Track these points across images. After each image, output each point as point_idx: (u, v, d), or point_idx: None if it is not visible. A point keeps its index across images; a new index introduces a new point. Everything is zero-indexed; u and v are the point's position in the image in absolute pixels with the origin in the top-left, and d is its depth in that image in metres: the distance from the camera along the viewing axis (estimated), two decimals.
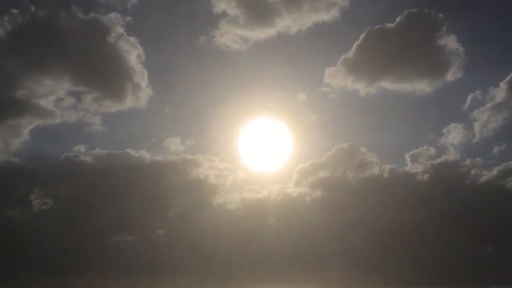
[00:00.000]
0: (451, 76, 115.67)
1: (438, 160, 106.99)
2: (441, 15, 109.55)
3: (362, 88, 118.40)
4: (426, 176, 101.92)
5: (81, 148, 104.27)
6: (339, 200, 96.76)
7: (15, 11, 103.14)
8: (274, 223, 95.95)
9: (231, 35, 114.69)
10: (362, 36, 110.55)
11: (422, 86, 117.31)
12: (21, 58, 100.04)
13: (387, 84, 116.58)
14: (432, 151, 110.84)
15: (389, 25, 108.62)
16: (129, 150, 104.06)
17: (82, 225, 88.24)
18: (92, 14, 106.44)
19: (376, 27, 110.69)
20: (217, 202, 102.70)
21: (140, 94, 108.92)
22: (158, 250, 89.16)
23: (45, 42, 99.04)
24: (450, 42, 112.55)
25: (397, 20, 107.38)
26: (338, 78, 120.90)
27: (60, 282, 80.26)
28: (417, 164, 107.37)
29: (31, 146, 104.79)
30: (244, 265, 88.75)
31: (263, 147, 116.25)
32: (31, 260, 79.52)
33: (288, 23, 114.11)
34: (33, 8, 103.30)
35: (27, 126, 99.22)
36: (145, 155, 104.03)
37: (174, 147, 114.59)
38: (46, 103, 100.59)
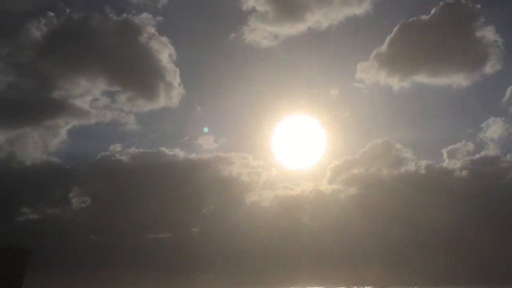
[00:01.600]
0: (489, 68, 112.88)
1: (477, 156, 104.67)
2: (478, 5, 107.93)
3: (395, 82, 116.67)
4: (464, 172, 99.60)
5: (117, 147, 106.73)
6: (373, 197, 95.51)
7: (51, 13, 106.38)
8: (308, 221, 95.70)
9: (261, 32, 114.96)
10: (395, 29, 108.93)
11: (459, 80, 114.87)
12: (57, 60, 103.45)
13: (422, 78, 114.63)
14: (470, 146, 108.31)
15: (424, 17, 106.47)
16: (163, 149, 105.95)
17: (119, 222, 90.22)
18: (124, 15, 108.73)
19: (410, 20, 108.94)
20: (250, 199, 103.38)
21: (173, 93, 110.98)
22: (193, 247, 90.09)
23: (80, 43, 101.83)
24: (488, 34, 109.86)
25: (432, 12, 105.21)
26: (370, 73, 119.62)
27: (97, 277, 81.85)
28: (454, 160, 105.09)
29: (69, 145, 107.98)
30: (278, 263, 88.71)
31: (296, 144, 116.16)
32: (71, 256, 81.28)
33: (319, 18, 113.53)
34: (68, 11, 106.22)
35: (64, 126, 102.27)
36: (179, 153, 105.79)
37: (207, 145, 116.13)
38: (82, 103, 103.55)
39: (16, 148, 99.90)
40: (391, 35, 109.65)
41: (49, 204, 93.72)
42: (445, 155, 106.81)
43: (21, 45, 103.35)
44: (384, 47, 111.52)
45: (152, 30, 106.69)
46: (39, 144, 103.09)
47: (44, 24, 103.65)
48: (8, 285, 44.94)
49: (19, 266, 46.65)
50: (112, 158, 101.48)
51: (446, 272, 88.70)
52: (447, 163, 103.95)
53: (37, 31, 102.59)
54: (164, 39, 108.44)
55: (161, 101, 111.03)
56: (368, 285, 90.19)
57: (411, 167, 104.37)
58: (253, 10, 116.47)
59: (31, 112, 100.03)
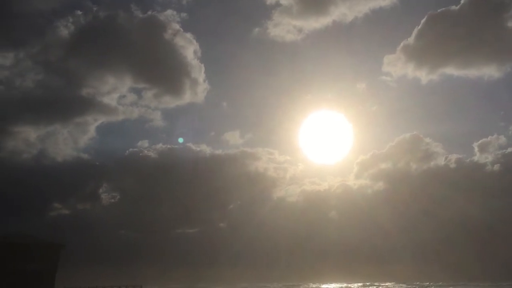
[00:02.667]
0: None
1: (509, 149, 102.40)
2: None
3: (424, 75, 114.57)
4: (496, 167, 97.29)
5: (145, 143, 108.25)
6: (402, 192, 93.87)
7: (79, 12, 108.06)
8: (335, 216, 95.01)
9: (285, 26, 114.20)
10: (423, 20, 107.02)
11: (490, 71, 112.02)
12: (85, 58, 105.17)
13: (451, 71, 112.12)
14: (502, 139, 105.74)
15: (453, 7, 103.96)
16: (190, 144, 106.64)
17: (147, 217, 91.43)
18: (149, 12, 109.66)
19: (438, 11, 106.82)
20: (277, 195, 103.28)
21: (198, 89, 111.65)
22: (220, 242, 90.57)
23: (107, 41, 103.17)
24: None
25: (462, 2, 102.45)
26: (397, 66, 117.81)
27: (126, 271, 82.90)
28: (486, 154, 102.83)
29: (98, 142, 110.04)
30: (305, 258, 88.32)
31: (322, 139, 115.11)
32: (101, 250, 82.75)
33: (343, 10, 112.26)
34: (95, 9, 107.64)
35: (92, 123, 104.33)
36: (206, 149, 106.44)
37: (233, 140, 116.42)
38: (110, 100, 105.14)
39: (47, 145, 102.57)
40: (419, 27, 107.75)
41: (79, 199, 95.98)
42: (476, 149, 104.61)
43: (50, 44, 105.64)
44: (411, 39, 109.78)
45: (177, 26, 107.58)
46: (69, 141, 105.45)
47: (71, 23, 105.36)
48: (43, 279, 45.90)
49: (53, 260, 47.56)
50: (140, 154, 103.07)
51: (477, 268, 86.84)
52: (478, 157, 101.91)
53: (65, 29, 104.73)
54: (188, 35, 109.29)
55: (187, 97, 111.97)
56: (397, 281, 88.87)
57: (441, 161, 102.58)
58: (277, 4, 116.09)
59: (60, 109, 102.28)
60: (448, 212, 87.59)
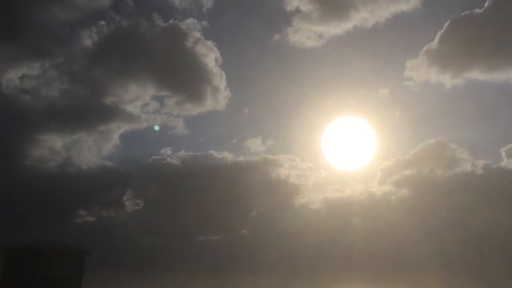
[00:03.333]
0: None
1: None
2: None
3: (447, 80, 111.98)
4: None
5: (167, 150, 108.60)
6: (427, 200, 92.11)
7: (102, 22, 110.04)
8: (358, 223, 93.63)
9: (305, 32, 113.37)
10: (446, 24, 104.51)
11: None
12: (109, 67, 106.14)
13: (476, 75, 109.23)
14: None
15: (477, 10, 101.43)
16: (212, 152, 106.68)
17: (170, 224, 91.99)
18: (171, 21, 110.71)
19: (462, 14, 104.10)
20: (299, 202, 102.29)
21: (219, 96, 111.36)
22: (243, 249, 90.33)
23: (129, 50, 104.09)
24: None
25: (486, 4, 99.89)
26: (420, 71, 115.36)
27: (149, 278, 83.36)
28: None
29: (121, 149, 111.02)
30: (328, 266, 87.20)
31: (345, 145, 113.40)
32: (125, 257, 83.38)
33: (365, 15, 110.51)
34: (118, 19, 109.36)
35: (116, 131, 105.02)
36: (228, 156, 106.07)
37: (255, 147, 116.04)
38: (133, 108, 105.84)
39: (72, 153, 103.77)
40: (442, 31, 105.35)
41: (104, 206, 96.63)
42: (503, 154, 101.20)
43: (74, 54, 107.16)
44: (434, 44, 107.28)
45: (198, 34, 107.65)
46: (93, 149, 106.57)
47: (95, 33, 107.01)
48: (69, 286, 46.56)
49: (78, 266, 48.23)
50: (163, 162, 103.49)
51: (506, 278, 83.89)
52: (505, 163, 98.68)
53: (88, 39, 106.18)
54: (209, 43, 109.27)
55: (209, 105, 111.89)
56: None
57: (467, 167, 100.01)
58: (297, 11, 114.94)
59: (84, 118, 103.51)
60: (476, 220, 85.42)
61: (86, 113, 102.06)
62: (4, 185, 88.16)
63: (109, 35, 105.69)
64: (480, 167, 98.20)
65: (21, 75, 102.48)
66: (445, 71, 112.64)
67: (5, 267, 45.18)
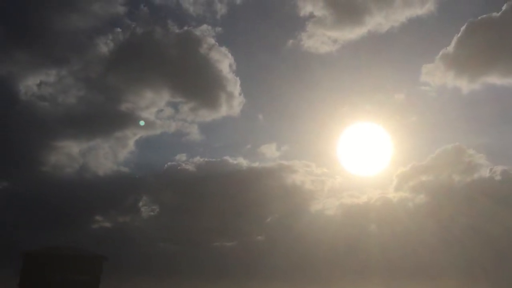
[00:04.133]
0: None
1: None
2: None
3: (464, 85, 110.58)
4: None
5: (183, 156, 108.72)
6: (445, 206, 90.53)
7: (118, 29, 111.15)
8: (375, 230, 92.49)
9: (319, 37, 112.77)
10: (462, 28, 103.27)
11: None
12: (124, 74, 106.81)
13: (494, 79, 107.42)
14: None
15: (494, 14, 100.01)
16: (227, 158, 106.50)
17: (185, 230, 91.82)
18: (185, 28, 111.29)
19: (479, 18, 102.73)
20: (315, 208, 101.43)
21: (234, 102, 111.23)
22: (258, 255, 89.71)
23: (145, 57, 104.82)
24: None
25: (503, 8, 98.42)
26: (436, 75, 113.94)
27: (165, 284, 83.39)
28: None
29: (137, 156, 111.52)
30: (344, 273, 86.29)
31: (361, 151, 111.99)
32: (141, 263, 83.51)
33: (379, 20, 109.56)
34: (133, 26, 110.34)
35: (132, 137, 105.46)
36: (243, 162, 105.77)
37: (270, 153, 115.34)
38: (148, 114, 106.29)
39: (88, 159, 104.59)
40: (459, 35, 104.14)
41: (120, 212, 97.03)
42: None
43: (90, 61, 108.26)
44: (451, 48, 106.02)
45: (212, 41, 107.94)
46: (109, 155, 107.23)
47: (111, 40, 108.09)
48: None
49: (96, 272, 48.55)
50: (178, 168, 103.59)
51: None
52: None
53: (104, 47, 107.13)
54: (223, 49, 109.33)
55: (223, 111, 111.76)
56: None
57: (485, 173, 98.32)
58: (310, 16, 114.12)
59: (101, 124, 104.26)
60: (496, 227, 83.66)
61: (102, 119, 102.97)
62: (23, 190, 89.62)
63: (125, 42, 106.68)
64: (499, 172, 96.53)
65: (39, 82, 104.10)
66: (462, 76, 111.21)
67: (24, 270, 45.64)
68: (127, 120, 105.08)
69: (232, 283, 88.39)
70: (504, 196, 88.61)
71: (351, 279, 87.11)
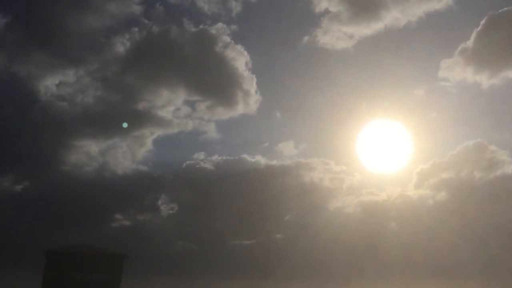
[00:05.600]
0: None
1: None
2: None
3: (484, 80, 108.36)
4: None
5: (201, 155, 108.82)
6: (467, 203, 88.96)
7: (135, 29, 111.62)
8: (394, 228, 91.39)
9: (335, 33, 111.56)
10: (482, 22, 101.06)
11: None
12: (141, 73, 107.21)
13: None
14: None
15: None
16: (245, 156, 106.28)
17: (204, 228, 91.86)
18: (201, 26, 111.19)
19: (499, 11, 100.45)
20: (333, 205, 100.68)
21: (250, 100, 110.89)
22: (277, 254, 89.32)
23: (161, 56, 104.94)
24: None
25: None
26: (455, 71, 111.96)
27: (184, 282, 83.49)
28: None
29: (155, 154, 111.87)
30: (364, 272, 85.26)
31: (380, 148, 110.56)
32: (160, 261, 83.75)
33: (396, 15, 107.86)
34: (149, 25, 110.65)
35: (149, 136, 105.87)
36: (261, 160, 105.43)
37: (288, 151, 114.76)
38: (165, 113, 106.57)
39: (107, 158, 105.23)
40: (478, 29, 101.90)
41: (139, 210, 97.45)
42: None
43: (107, 60, 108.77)
44: (470, 42, 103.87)
45: (227, 39, 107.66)
46: (127, 154, 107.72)
47: (127, 39, 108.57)
48: None
49: (116, 270, 48.71)
50: (197, 166, 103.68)
51: None
52: None
53: (121, 46, 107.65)
54: (239, 47, 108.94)
55: (240, 109, 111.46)
56: None
57: (508, 170, 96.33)
58: (326, 12, 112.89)
59: (119, 123, 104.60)
60: None
61: (120, 118, 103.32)
62: (44, 189, 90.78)
63: (141, 41, 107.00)
64: None
65: (58, 82, 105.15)
66: (482, 71, 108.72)
67: (47, 268, 45.99)
68: (144, 119, 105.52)
69: (250, 281, 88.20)
70: None
71: (369, 278, 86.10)
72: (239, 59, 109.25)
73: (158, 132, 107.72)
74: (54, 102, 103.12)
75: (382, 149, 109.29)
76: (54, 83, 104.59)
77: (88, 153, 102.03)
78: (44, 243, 57.50)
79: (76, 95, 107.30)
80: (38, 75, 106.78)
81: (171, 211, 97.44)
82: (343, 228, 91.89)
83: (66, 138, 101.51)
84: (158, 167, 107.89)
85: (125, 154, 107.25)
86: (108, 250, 49.96)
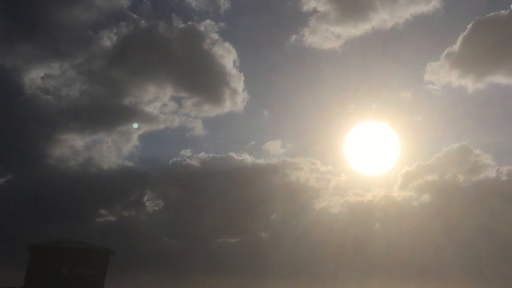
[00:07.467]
0: None
1: None
2: None
3: (470, 84, 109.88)
4: None
5: (187, 152, 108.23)
6: (450, 205, 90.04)
7: (122, 23, 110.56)
8: (379, 228, 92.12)
9: (322, 32, 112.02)
10: (469, 26, 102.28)
11: None
12: (128, 68, 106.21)
13: (500, 79, 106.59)
14: None
15: (502, 12, 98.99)
16: (232, 154, 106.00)
17: (190, 225, 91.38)
18: (189, 22, 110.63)
19: (486, 16, 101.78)
20: (319, 205, 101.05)
21: (238, 98, 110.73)
22: (262, 252, 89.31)
23: (148, 51, 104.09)
24: None
25: (511, 6, 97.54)
26: (441, 74, 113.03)
27: (169, 278, 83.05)
28: None
29: (141, 150, 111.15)
30: (348, 271, 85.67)
31: (366, 149, 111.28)
32: (145, 257, 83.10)
33: (384, 16, 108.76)
34: (136, 20, 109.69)
35: (135, 132, 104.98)
36: (247, 158, 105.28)
37: (275, 150, 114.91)
38: (152, 109, 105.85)
39: (93, 153, 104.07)
40: (465, 33, 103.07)
41: (125, 206, 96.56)
42: None
43: (94, 54, 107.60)
44: (456, 46, 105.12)
45: (215, 36, 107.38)
46: (113, 149, 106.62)
47: (114, 34, 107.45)
48: (93, 284, 46.45)
49: (102, 265, 48.17)
50: (183, 163, 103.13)
51: None
52: None
53: (108, 40, 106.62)
54: (227, 44, 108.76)
55: (227, 106, 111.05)
56: None
57: (492, 173, 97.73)
58: (314, 11, 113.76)
59: (104, 118, 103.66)
60: (502, 227, 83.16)
61: (106, 113, 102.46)
62: (27, 183, 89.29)
63: (128, 36, 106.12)
64: (505, 173, 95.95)
65: (43, 75, 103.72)
66: (467, 75, 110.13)
67: (30, 263, 45.26)
68: (131, 114, 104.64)
69: (236, 279, 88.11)
70: (510, 196, 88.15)
71: (355, 277, 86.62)
72: (227, 57, 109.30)
73: (145, 128, 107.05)
74: (39, 95, 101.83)
75: (369, 151, 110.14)
76: (39, 76, 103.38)
77: (73, 147, 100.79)
78: (28, 238, 56.84)
79: (61, 88, 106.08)
80: (23, 68, 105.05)
81: (156, 208, 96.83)
82: (329, 227, 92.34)
83: (51, 131, 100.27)
84: (144, 163, 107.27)
85: (111, 149, 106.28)
86: (94, 245, 49.36)
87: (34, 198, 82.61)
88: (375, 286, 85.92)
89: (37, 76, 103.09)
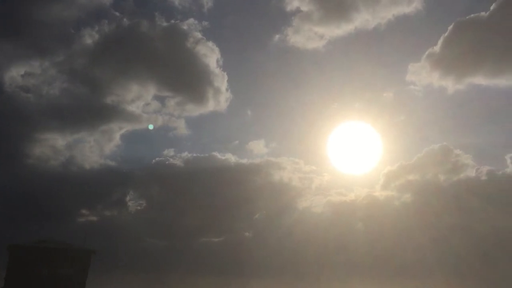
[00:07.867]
0: None
1: None
2: None
3: (450, 85, 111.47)
4: None
5: (170, 151, 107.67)
6: (431, 205, 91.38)
7: (104, 21, 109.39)
8: (362, 227, 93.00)
9: (306, 32, 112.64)
10: (450, 27, 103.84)
11: None
12: (110, 66, 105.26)
13: (480, 80, 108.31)
14: None
15: (482, 14, 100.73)
16: (215, 153, 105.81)
17: (173, 225, 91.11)
18: (172, 21, 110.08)
19: (466, 17, 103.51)
20: (302, 205, 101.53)
21: (221, 97, 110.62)
22: (246, 252, 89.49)
23: (131, 49, 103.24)
24: None
25: (492, 7, 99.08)
26: (422, 75, 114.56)
27: (152, 279, 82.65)
28: None
29: (123, 149, 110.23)
30: (331, 270, 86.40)
31: (349, 149, 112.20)
32: (128, 257, 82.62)
33: (366, 17, 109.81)
34: (119, 18, 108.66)
35: (117, 131, 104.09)
36: (231, 158, 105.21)
37: (258, 149, 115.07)
38: (134, 108, 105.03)
39: (74, 152, 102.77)
40: (446, 35, 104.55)
41: (107, 206, 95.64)
42: (508, 161, 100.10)
43: (75, 52, 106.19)
44: (437, 47, 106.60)
45: (199, 35, 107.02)
46: (95, 149, 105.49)
47: (96, 31, 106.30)
48: (74, 284, 45.96)
49: (84, 265, 47.73)
50: (166, 162, 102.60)
51: None
52: (511, 169, 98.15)
53: (89, 38, 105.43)
54: (210, 43, 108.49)
55: (210, 106, 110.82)
56: None
57: (472, 173, 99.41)
58: (297, 11, 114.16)
59: (86, 117, 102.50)
60: (482, 226, 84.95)
61: (87, 112, 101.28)
62: (6, 183, 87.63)
63: (110, 34, 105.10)
64: (485, 173, 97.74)
65: (23, 73, 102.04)
66: (448, 76, 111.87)
67: (10, 264, 44.53)
68: (113, 113, 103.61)
69: (219, 279, 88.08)
70: (490, 196, 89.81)
71: (337, 276, 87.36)
72: (211, 56, 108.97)
73: (127, 127, 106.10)
74: (19, 94, 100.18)
75: (351, 150, 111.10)
76: (19, 74, 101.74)
77: (54, 146, 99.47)
78: (8, 238, 55.85)
79: (42, 87, 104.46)
80: (3, 65, 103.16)
81: (139, 207, 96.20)
82: (312, 227, 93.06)
83: (31, 130, 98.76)
84: (127, 162, 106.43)
85: (93, 148, 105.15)
86: (75, 245, 48.80)
87: (14, 198, 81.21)
88: (357, 284, 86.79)
89: (17, 74, 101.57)
